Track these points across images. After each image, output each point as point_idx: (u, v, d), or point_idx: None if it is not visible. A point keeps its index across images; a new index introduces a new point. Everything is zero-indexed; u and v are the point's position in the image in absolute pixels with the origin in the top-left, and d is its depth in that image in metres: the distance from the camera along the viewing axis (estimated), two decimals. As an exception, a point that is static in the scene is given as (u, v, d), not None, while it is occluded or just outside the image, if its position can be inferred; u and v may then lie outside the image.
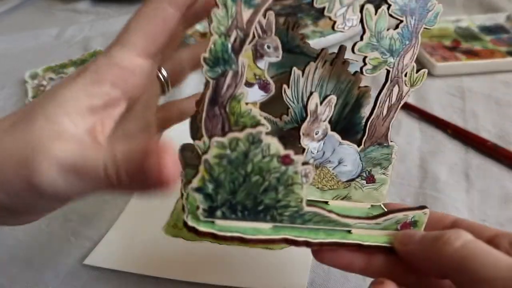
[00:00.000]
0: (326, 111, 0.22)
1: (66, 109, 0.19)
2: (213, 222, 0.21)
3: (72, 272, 0.32)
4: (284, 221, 0.21)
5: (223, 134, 0.20)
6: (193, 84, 0.54)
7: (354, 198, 0.23)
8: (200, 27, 0.66)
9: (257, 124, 0.21)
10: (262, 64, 0.24)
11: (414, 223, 0.23)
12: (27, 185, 0.18)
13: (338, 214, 0.22)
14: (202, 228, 0.21)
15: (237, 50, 0.20)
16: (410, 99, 0.49)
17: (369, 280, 0.31)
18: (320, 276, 0.32)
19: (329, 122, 0.23)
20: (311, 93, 0.22)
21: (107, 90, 0.20)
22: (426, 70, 0.23)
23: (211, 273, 0.31)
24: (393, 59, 0.22)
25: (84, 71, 0.20)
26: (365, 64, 0.22)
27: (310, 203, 0.22)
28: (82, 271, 0.32)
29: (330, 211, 0.22)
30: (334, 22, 0.21)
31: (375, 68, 0.22)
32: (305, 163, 0.20)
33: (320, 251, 0.23)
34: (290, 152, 0.20)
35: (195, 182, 0.20)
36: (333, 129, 0.23)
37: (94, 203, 0.38)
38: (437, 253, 0.19)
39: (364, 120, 0.24)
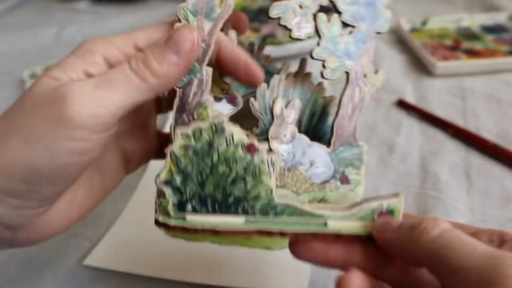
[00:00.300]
0: (292, 114, 0.23)
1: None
2: (184, 218, 0.22)
3: (71, 272, 0.32)
4: (256, 214, 0.22)
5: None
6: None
7: (330, 200, 0.24)
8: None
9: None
10: (228, 79, 0.25)
11: (390, 212, 0.23)
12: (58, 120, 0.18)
13: (311, 206, 0.22)
14: (173, 223, 0.22)
15: (201, 60, 0.22)
16: (411, 99, 0.49)
17: (369, 281, 0.31)
18: (321, 277, 0.31)
19: (298, 129, 0.24)
20: (276, 98, 0.23)
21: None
22: (383, 72, 0.23)
23: (211, 273, 0.31)
24: (351, 61, 0.23)
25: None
26: (324, 67, 0.23)
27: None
28: (81, 272, 0.32)
29: (303, 203, 0.22)
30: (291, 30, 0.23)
31: (334, 70, 0.23)
32: (270, 151, 0.21)
33: (296, 244, 0.23)
34: (254, 141, 0.21)
35: (163, 175, 0.21)
36: None
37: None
38: (414, 242, 0.19)
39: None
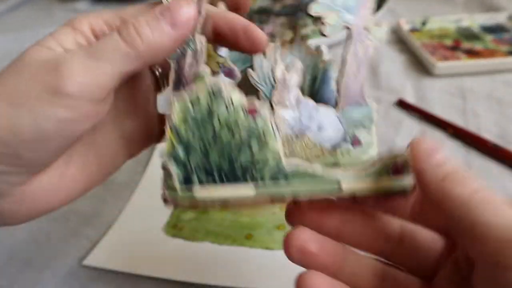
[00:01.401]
0: (294, 77, 0.22)
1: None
2: (192, 193, 0.21)
3: (71, 272, 0.32)
4: (266, 181, 0.21)
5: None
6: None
7: (343, 164, 0.22)
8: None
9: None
10: (223, 52, 0.24)
11: (405, 166, 0.21)
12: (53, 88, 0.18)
13: (323, 170, 0.21)
14: (180, 198, 0.21)
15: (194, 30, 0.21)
16: (411, 99, 0.49)
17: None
18: (321, 276, 0.32)
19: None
20: (275, 62, 0.22)
21: None
22: (387, 24, 0.23)
23: (211, 273, 0.31)
24: (350, 15, 0.22)
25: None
26: (324, 25, 0.22)
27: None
28: (81, 271, 0.32)
29: (314, 164, 0.21)
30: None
31: (333, 27, 0.22)
32: (273, 115, 0.21)
33: (292, 211, 0.22)
34: (255, 102, 0.20)
35: (165, 149, 0.20)
36: None
37: (93, 203, 0.38)
38: (448, 188, 0.18)
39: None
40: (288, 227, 0.35)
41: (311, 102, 0.22)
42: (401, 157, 0.21)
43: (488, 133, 0.44)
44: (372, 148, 0.22)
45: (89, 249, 0.34)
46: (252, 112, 0.20)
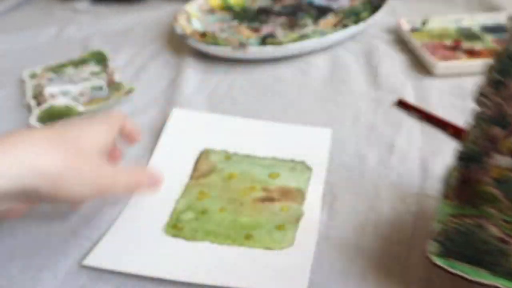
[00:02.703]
0: None
1: None
2: (446, 259, 0.27)
3: (71, 272, 0.32)
4: (500, 273, 0.26)
5: (468, 203, 0.27)
6: (193, 84, 0.54)
7: None
8: (200, 26, 0.65)
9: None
10: None
11: None
12: None
13: None
14: (437, 262, 0.27)
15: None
16: (411, 99, 0.49)
17: (369, 279, 0.31)
18: (320, 276, 0.32)
19: None
20: None
21: None
22: None
23: (211, 273, 0.31)
24: None
25: None
26: None
27: None
28: (81, 272, 0.32)
29: None
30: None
31: None
32: None
33: None
34: (506, 236, 0.26)
35: (437, 234, 0.27)
36: None
37: (93, 203, 0.38)
38: None
39: None
40: (288, 227, 0.35)
41: None
42: None
43: (488, 133, 0.44)
44: None
45: (89, 249, 0.34)
46: (504, 240, 0.26)
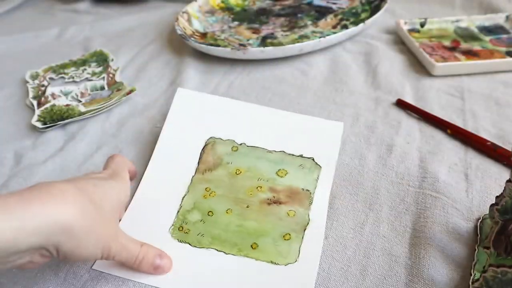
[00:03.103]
0: None
1: None
2: None
3: (72, 271, 0.32)
4: None
5: (506, 253, 0.29)
6: (193, 85, 0.54)
7: None
8: (200, 27, 0.66)
9: None
10: None
11: None
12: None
13: None
14: None
15: None
16: (410, 99, 0.50)
17: (369, 279, 0.31)
18: (320, 276, 0.32)
19: None
20: None
21: None
22: None
23: (215, 285, 0.31)
24: None
25: None
26: None
27: None
28: (82, 271, 0.32)
29: None
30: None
31: None
32: None
33: None
34: None
35: (476, 283, 0.29)
36: None
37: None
38: None
39: None
40: (293, 236, 0.34)
41: None
42: None
43: (487, 133, 0.44)
44: None
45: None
46: None
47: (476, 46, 0.58)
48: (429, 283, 0.31)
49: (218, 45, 0.59)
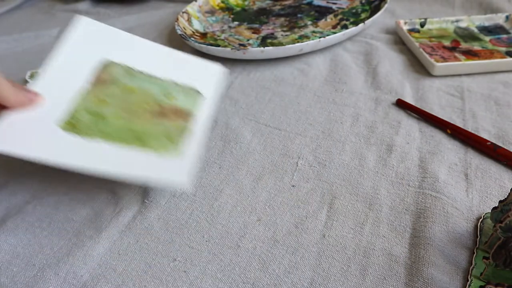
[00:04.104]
0: None
1: None
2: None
3: (72, 271, 0.32)
4: None
5: (504, 265, 0.29)
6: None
7: None
8: (200, 27, 0.66)
9: None
10: None
11: None
12: None
13: None
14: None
15: None
16: (410, 99, 0.50)
17: (368, 279, 0.31)
18: (320, 275, 0.32)
19: None
20: None
21: None
22: None
23: (103, 163, 0.34)
24: None
25: None
26: None
27: None
28: (83, 271, 0.32)
29: None
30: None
31: None
32: None
33: None
34: None
35: None
36: None
37: (96, 203, 0.38)
38: None
39: None
40: (176, 137, 0.38)
41: None
42: None
43: (487, 133, 0.44)
44: None
45: (89, 249, 0.34)
46: None
47: (476, 46, 0.58)
48: (429, 283, 0.31)
49: (218, 45, 0.59)
